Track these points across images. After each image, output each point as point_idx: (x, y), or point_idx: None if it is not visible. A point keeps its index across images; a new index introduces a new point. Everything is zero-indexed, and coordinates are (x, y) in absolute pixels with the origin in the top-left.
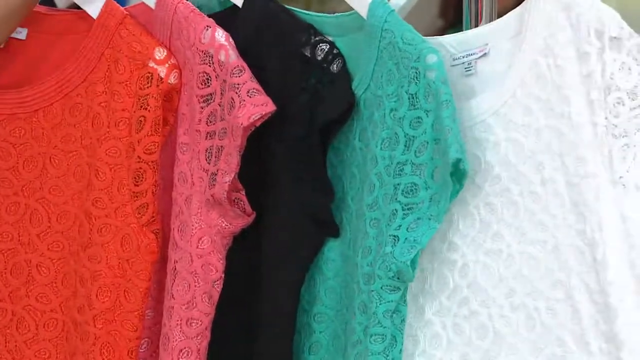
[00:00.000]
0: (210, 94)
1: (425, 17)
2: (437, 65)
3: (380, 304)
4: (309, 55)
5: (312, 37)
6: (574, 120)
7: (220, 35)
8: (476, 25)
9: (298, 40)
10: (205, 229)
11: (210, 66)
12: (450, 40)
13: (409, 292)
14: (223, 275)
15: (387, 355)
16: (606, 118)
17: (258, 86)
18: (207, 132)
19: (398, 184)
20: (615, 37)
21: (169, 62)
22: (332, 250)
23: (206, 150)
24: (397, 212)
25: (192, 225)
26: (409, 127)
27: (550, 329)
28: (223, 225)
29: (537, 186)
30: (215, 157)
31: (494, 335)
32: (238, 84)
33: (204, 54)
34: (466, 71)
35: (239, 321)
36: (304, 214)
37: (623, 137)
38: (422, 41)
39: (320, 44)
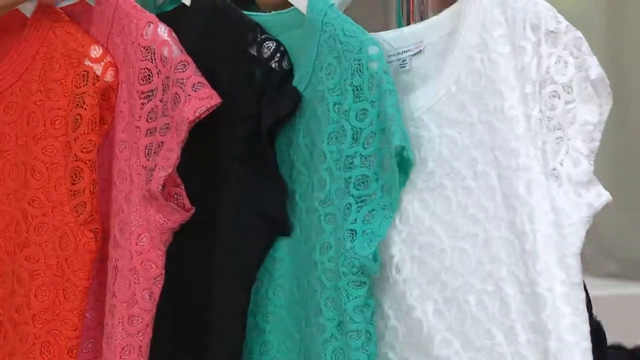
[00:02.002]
0: (152, 90)
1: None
2: (379, 56)
3: (349, 301)
4: (256, 54)
5: (259, 36)
6: (506, 114)
7: (163, 30)
8: (408, 23)
9: (245, 39)
10: (144, 226)
11: (152, 62)
12: (385, 36)
13: None
14: (163, 272)
15: (366, 350)
16: (541, 111)
17: (203, 79)
18: (148, 129)
19: (349, 178)
20: (551, 31)
21: (105, 60)
22: (279, 249)
23: (146, 147)
24: (351, 205)
25: (132, 223)
26: (355, 119)
27: (480, 322)
28: (161, 221)
29: (470, 181)
30: (155, 153)
31: (428, 330)
32: (182, 79)
33: (146, 50)
34: (400, 67)
35: (189, 321)
36: (255, 213)
37: (557, 129)
38: (362, 33)
39: (267, 42)
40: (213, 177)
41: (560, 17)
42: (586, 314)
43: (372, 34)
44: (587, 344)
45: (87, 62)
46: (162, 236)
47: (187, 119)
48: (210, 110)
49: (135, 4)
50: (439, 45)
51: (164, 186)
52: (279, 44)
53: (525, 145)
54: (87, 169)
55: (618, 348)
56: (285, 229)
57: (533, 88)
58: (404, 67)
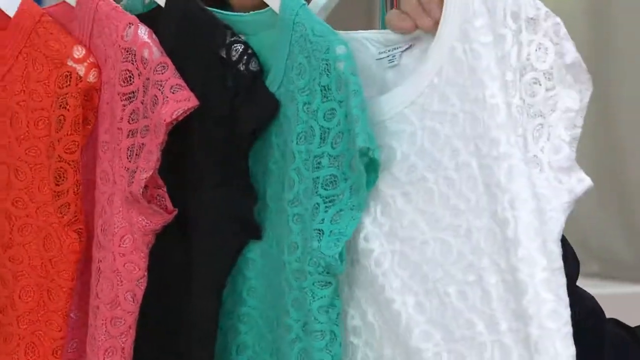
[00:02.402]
0: (133, 92)
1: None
2: (346, 56)
3: (314, 301)
4: (225, 57)
5: (228, 38)
6: (487, 103)
7: (143, 32)
8: None
9: (215, 41)
10: (127, 227)
11: (132, 64)
12: (375, 36)
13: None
14: (146, 274)
15: (330, 351)
16: (521, 98)
17: (181, 82)
18: (129, 130)
19: (317, 178)
20: (531, 18)
21: (88, 61)
22: (252, 250)
23: (128, 149)
24: (319, 205)
25: (114, 224)
26: (323, 119)
27: (461, 312)
28: (143, 223)
29: (452, 172)
30: (136, 154)
31: (407, 322)
32: (161, 81)
33: (127, 51)
34: (389, 63)
35: (170, 323)
36: (228, 217)
37: (538, 116)
38: (331, 33)
39: (235, 45)
40: (190, 180)
41: (540, 4)
42: (567, 300)
43: (359, 32)
44: (568, 329)
45: (70, 63)
46: (145, 238)
47: (165, 121)
48: (188, 113)
49: (116, 5)
50: (424, 39)
51: (146, 188)
52: (247, 46)
53: (506, 133)
54: (70, 170)
55: (617, 324)
56: (256, 233)
57: (513, 75)
58: (392, 62)
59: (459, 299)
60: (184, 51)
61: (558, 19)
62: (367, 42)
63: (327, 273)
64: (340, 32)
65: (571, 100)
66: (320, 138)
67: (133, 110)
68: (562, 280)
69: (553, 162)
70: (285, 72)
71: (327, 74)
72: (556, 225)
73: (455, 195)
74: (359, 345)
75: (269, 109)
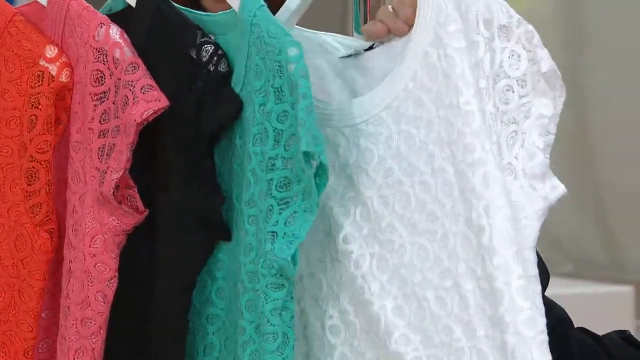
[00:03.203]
0: (104, 92)
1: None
2: (297, 58)
3: (266, 303)
4: (195, 57)
5: (198, 38)
6: (462, 109)
7: (115, 32)
8: (365, 23)
9: (185, 41)
10: (98, 228)
11: (104, 64)
12: (339, 39)
13: (311, 281)
14: (117, 274)
15: (282, 354)
16: (495, 105)
17: (152, 82)
18: (100, 131)
19: (271, 179)
20: (504, 26)
21: (60, 60)
22: (222, 251)
23: (99, 149)
24: (273, 207)
25: (85, 224)
26: (277, 121)
27: (439, 318)
28: (114, 223)
29: (428, 177)
30: (107, 155)
31: (386, 326)
32: (132, 81)
33: (98, 51)
34: (354, 68)
35: (141, 324)
36: (195, 218)
37: (512, 123)
38: (285, 34)
39: (205, 45)
40: (160, 181)
41: (512, 11)
42: (542, 307)
43: (322, 33)
44: (544, 337)
45: (42, 62)
46: (116, 238)
47: (135, 121)
48: (158, 113)
49: (87, 5)
50: (393, 43)
51: (117, 188)
52: (217, 47)
53: (481, 139)
54: (42, 170)
55: (584, 332)
56: (225, 235)
57: (487, 82)
58: (359, 66)
59: (437, 304)
60: (155, 51)
61: (530, 27)
62: (328, 43)
63: (280, 275)
64: (308, 31)
65: (544, 107)
66: (274, 140)
67: (104, 110)
68: (538, 288)
69: (527, 169)
70: (246, 73)
71: (280, 76)
72: (531, 233)
73: (432, 200)
74: (337, 344)
75: (231, 109)
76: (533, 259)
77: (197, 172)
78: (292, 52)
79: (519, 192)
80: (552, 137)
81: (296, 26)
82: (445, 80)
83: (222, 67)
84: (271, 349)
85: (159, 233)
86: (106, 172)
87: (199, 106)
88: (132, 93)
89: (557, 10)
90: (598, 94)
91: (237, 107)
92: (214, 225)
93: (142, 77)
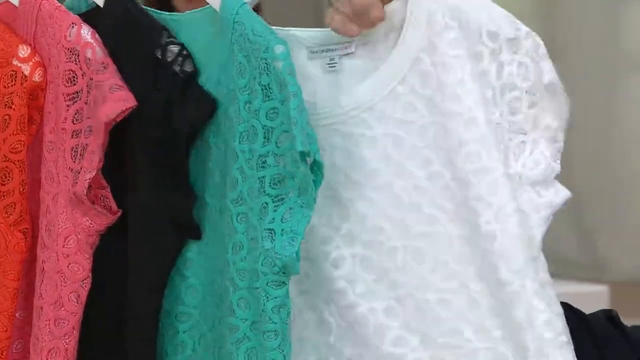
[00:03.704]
0: (77, 92)
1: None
2: (284, 56)
3: (267, 301)
4: (160, 57)
5: (164, 39)
6: (464, 117)
7: (86, 32)
8: None
9: (151, 41)
10: (71, 228)
11: (76, 64)
12: (306, 34)
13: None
14: (90, 275)
15: (283, 351)
16: (501, 115)
17: (120, 82)
18: (73, 131)
19: (263, 177)
20: (512, 39)
21: (33, 60)
22: (190, 250)
23: (72, 149)
24: (267, 205)
25: (59, 225)
26: (266, 118)
27: (443, 320)
28: (87, 223)
29: (424, 181)
30: (80, 155)
31: (377, 327)
32: (102, 81)
33: (70, 51)
34: (329, 67)
35: (114, 324)
36: (165, 218)
37: (520, 134)
38: (270, 32)
39: (171, 46)
40: (130, 180)
41: (520, 24)
42: (561, 310)
43: (290, 29)
44: (565, 338)
45: (15, 62)
46: (89, 239)
47: (103, 121)
48: (126, 113)
49: (59, 4)
50: (374, 45)
51: (90, 188)
52: (182, 47)
53: (486, 147)
54: (16, 170)
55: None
56: (195, 234)
57: (493, 93)
58: (333, 67)
59: (441, 306)
60: (122, 51)
61: (538, 38)
62: (300, 39)
63: (283, 273)
64: (273, 27)
65: (551, 117)
66: (264, 137)
67: (77, 110)
68: (552, 291)
69: (533, 176)
70: (225, 70)
71: (267, 73)
72: (538, 239)
73: (429, 204)
74: (305, 337)
75: (206, 108)
76: (544, 263)
77: (167, 172)
78: (279, 49)
79: (526, 199)
80: (561, 144)
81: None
82: (440, 87)
83: (188, 67)
84: (273, 346)
85: (129, 233)
86: (79, 173)
87: (166, 106)
88: (102, 93)
89: (534, 16)
90: (573, 94)
91: (211, 105)
92: (184, 225)
93: (112, 76)
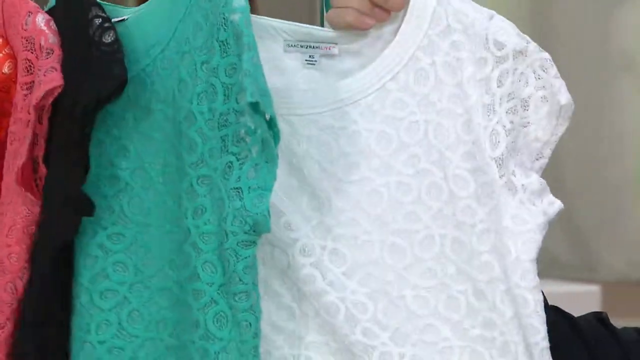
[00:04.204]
0: (33, 82)
1: None
2: (242, 9)
3: (238, 262)
4: (85, 32)
5: (91, 13)
6: (462, 119)
7: (41, 20)
8: None
9: (81, 17)
10: (13, 217)
11: (32, 53)
12: (285, 26)
13: None
14: (27, 265)
15: (254, 312)
16: (498, 122)
17: (57, 64)
18: (28, 120)
19: (225, 135)
20: (519, 51)
21: (4, 52)
22: (116, 223)
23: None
24: (232, 164)
25: (6, 214)
26: (225, 75)
27: (418, 317)
28: (25, 212)
29: (409, 178)
30: (35, 144)
31: (347, 317)
32: (42, 67)
33: (27, 40)
34: (308, 63)
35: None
36: (59, 194)
37: (511, 142)
38: None
39: (95, 19)
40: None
41: (528, 38)
42: (544, 316)
43: (270, 20)
44: (545, 344)
45: None
46: (28, 229)
47: (32, 104)
48: (54, 94)
49: None
50: (360, 49)
51: (28, 177)
52: (105, 20)
53: (481, 151)
54: None
55: (558, 313)
56: (86, 210)
57: (492, 100)
58: (313, 64)
59: (417, 304)
60: (61, 31)
61: (547, 55)
62: (277, 30)
63: (254, 232)
64: (256, 16)
65: (542, 131)
66: (224, 95)
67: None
68: (540, 297)
69: (526, 186)
70: (175, 35)
71: (225, 28)
72: (533, 245)
73: (413, 201)
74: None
75: (111, 83)
76: (534, 270)
77: (70, 148)
78: (238, 2)
79: (519, 206)
80: (545, 160)
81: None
82: (438, 85)
83: (107, 38)
84: (244, 307)
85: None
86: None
87: (81, 79)
88: (39, 78)
89: (527, 15)
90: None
91: (119, 81)
92: (74, 201)
93: (53, 61)
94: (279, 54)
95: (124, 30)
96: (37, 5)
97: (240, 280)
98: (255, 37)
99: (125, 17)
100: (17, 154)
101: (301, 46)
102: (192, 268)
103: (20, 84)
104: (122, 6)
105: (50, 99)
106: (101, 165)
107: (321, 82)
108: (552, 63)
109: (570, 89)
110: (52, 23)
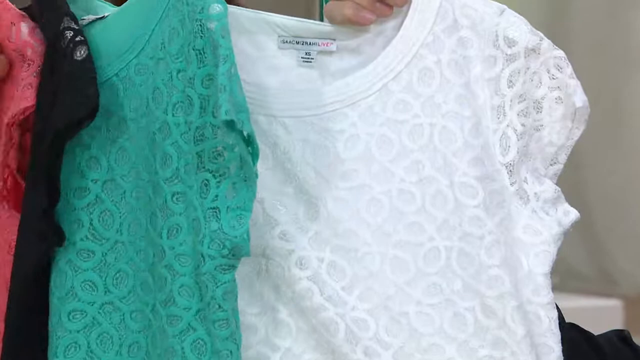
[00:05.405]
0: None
1: None
2: (219, 16)
3: (217, 287)
4: (56, 45)
5: (62, 24)
6: (470, 122)
7: (24, 30)
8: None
9: (51, 27)
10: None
11: (24, 63)
12: (279, 20)
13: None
14: (9, 276)
15: (235, 340)
16: (508, 126)
17: (33, 80)
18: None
19: (202, 151)
20: (531, 48)
21: None
22: (86, 239)
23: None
24: (209, 181)
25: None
26: (202, 86)
27: (421, 335)
28: (4, 225)
29: (412, 186)
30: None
31: (347, 335)
32: (21, 79)
33: (16, 52)
34: (304, 61)
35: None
36: (33, 221)
37: (524, 147)
38: None
39: (66, 31)
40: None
41: (541, 35)
42: (559, 334)
43: (265, 14)
44: None
45: None
46: (7, 243)
47: (5, 122)
48: (26, 113)
49: (6, 1)
50: (361, 47)
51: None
52: (77, 33)
53: (490, 155)
54: None
55: (576, 331)
56: (57, 239)
57: (502, 101)
58: (309, 61)
59: (420, 321)
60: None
61: (561, 53)
62: (271, 25)
63: (232, 256)
64: (242, 9)
65: (556, 135)
66: (201, 107)
67: None
68: (554, 314)
69: (539, 194)
70: (151, 39)
71: (201, 36)
72: (547, 258)
73: (416, 211)
74: (253, 343)
75: (84, 106)
76: (548, 285)
77: (41, 171)
78: (214, 9)
79: (532, 216)
80: (560, 166)
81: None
82: (444, 86)
83: (79, 55)
84: (225, 335)
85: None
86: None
87: (53, 98)
88: (17, 92)
89: (543, 15)
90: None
91: (92, 102)
92: (46, 229)
93: (29, 75)
94: (273, 51)
95: (100, 31)
96: (19, 12)
97: (220, 307)
98: (232, 48)
99: (106, 14)
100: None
101: (297, 42)
102: (168, 291)
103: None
104: (110, 3)
105: (21, 117)
106: (71, 174)
107: (318, 82)
108: (567, 62)
109: (588, 88)
110: (37, 31)
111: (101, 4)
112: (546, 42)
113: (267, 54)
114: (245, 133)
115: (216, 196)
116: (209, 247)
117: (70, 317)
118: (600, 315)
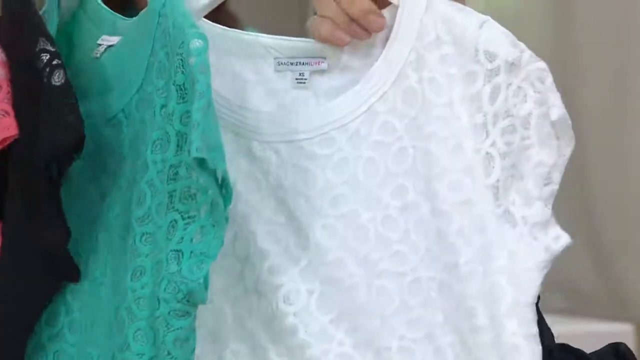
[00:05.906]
0: None
1: None
2: (199, 51)
3: (168, 332)
4: (33, 68)
5: (38, 46)
6: (449, 142)
7: None
8: None
9: (30, 49)
10: None
11: None
12: (274, 42)
13: (210, 313)
14: None
15: None
16: (493, 145)
17: (8, 107)
18: None
19: (174, 191)
20: (511, 62)
21: None
22: (83, 277)
23: None
24: (176, 222)
25: None
26: (180, 123)
27: None
28: None
29: (396, 212)
30: None
31: None
32: None
33: None
34: (298, 82)
35: None
36: (37, 255)
37: (511, 167)
38: (190, 26)
39: (42, 54)
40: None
41: (522, 46)
42: None
43: (262, 37)
44: None
45: None
46: None
47: None
48: (7, 143)
49: None
50: (350, 64)
51: None
52: (53, 56)
53: (473, 178)
54: None
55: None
56: (72, 275)
57: (485, 119)
58: (303, 82)
59: (402, 357)
60: (13, 64)
61: (543, 64)
62: (267, 48)
63: (187, 301)
64: (239, 32)
65: (546, 154)
66: (177, 145)
67: None
68: (538, 348)
69: (527, 217)
70: (147, 71)
71: (182, 71)
72: (530, 286)
73: (400, 239)
74: None
75: (68, 134)
76: (532, 317)
77: (40, 202)
78: (194, 44)
79: (518, 242)
80: (555, 186)
81: (225, 28)
82: (426, 106)
83: (56, 80)
84: None
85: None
86: None
87: (32, 127)
88: None
89: (547, 9)
90: (587, 100)
91: (76, 132)
92: (58, 264)
93: (2, 101)
94: (270, 76)
95: (107, 61)
96: None
97: (169, 354)
98: (210, 84)
99: (113, 42)
100: None
101: (291, 63)
102: (124, 336)
103: None
104: (116, 14)
105: (1, 146)
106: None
107: (310, 104)
108: (549, 72)
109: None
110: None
111: (110, 14)
112: (527, 54)
113: (264, 77)
114: (218, 173)
115: (182, 238)
116: (164, 290)
117: (56, 356)
118: (611, 340)
